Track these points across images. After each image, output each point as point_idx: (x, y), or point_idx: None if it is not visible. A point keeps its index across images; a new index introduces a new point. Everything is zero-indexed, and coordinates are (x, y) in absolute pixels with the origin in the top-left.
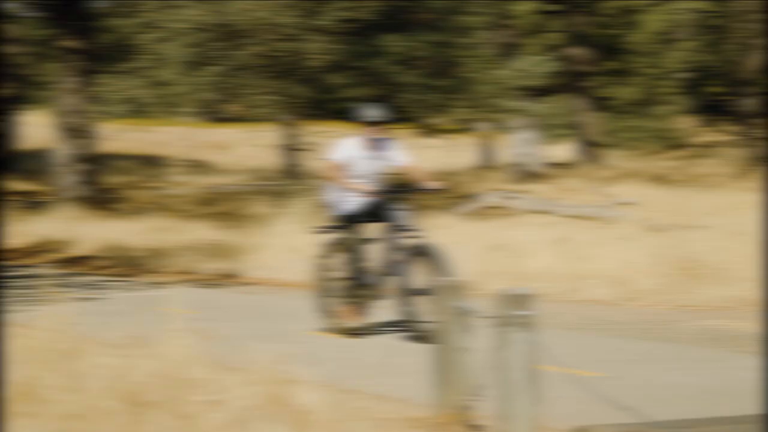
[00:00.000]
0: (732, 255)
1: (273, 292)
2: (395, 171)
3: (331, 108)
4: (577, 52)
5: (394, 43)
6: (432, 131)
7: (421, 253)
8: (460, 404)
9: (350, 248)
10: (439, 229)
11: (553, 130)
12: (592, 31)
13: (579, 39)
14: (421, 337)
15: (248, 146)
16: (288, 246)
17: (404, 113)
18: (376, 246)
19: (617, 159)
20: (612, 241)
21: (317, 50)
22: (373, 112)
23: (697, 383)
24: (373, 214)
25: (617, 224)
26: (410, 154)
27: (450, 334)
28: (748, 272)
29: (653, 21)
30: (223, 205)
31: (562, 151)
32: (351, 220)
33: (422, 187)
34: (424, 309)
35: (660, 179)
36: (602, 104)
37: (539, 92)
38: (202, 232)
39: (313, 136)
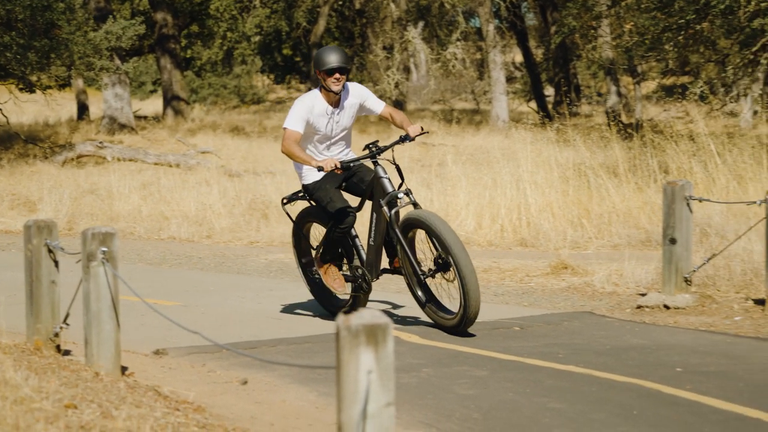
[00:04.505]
0: None
1: None
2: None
3: None
4: (163, 16)
5: None
6: (32, 87)
7: (418, 222)
8: (50, 332)
9: (323, 221)
10: (37, 176)
11: (142, 86)
12: None
13: (165, 5)
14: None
15: None
16: None
17: (5, 71)
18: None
19: (199, 113)
20: (193, 186)
21: None
22: (333, 56)
23: (263, 309)
24: (347, 181)
25: (197, 171)
26: (381, 99)
27: (40, 269)
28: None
29: None
30: None
31: (150, 105)
32: (321, 193)
33: (406, 138)
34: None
35: (237, 131)
36: (186, 64)
37: (129, 52)
38: None
39: None
